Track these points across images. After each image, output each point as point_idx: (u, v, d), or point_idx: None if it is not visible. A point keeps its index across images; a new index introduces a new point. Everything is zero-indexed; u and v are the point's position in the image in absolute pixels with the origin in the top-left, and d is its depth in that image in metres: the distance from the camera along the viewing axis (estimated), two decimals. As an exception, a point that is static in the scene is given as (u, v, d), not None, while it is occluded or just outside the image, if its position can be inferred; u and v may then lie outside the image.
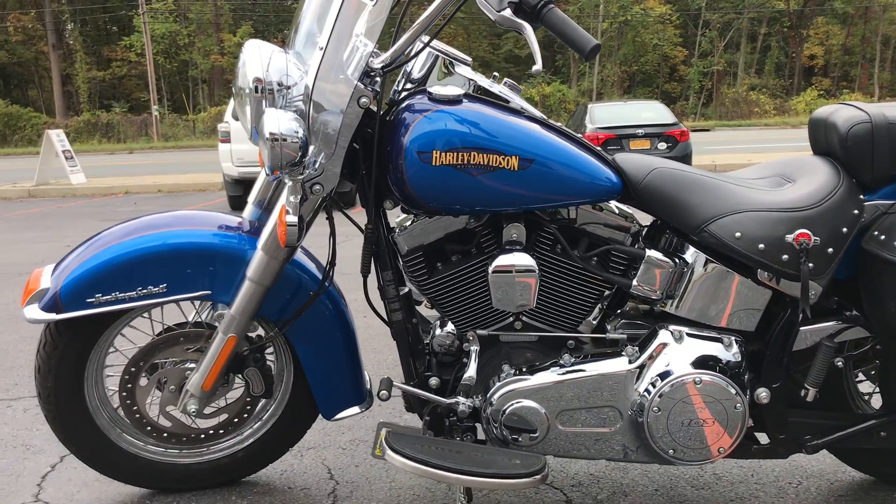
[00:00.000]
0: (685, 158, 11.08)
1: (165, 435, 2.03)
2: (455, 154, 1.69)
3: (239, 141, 10.79)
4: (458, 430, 1.87)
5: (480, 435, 1.88)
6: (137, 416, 2.00)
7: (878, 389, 1.97)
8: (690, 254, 1.83)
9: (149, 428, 2.02)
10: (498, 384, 1.82)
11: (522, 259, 1.79)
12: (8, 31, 42.13)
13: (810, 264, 1.70)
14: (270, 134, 1.59)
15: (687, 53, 41.36)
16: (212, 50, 40.61)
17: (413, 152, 1.68)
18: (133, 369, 1.96)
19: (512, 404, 1.80)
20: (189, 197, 13.78)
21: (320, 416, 2.05)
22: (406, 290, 1.93)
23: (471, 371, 1.83)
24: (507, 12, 1.62)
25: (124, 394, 1.97)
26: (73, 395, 1.95)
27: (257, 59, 1.73)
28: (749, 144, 20.77)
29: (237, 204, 11.22)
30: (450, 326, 1.91)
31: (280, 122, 1.61)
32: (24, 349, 3.74)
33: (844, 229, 1.74)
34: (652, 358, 1.80)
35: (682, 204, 1.79)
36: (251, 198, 2.08)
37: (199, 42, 40.30)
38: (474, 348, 1.87)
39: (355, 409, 2.04)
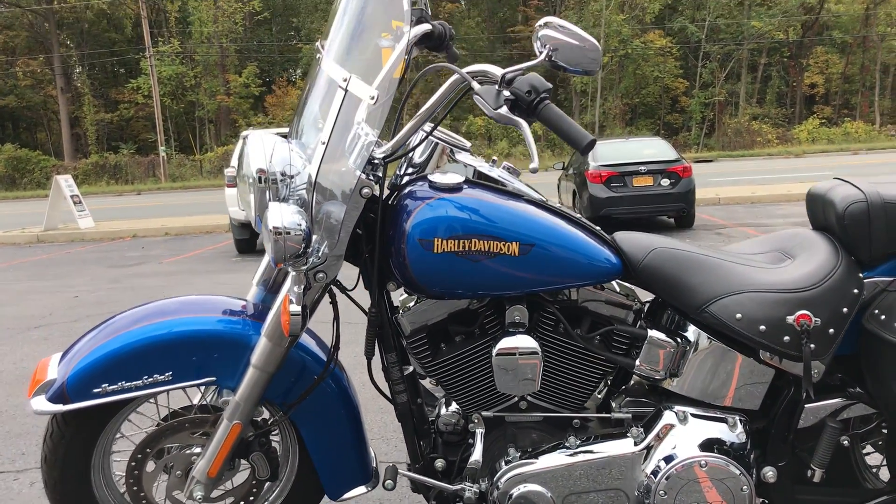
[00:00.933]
0: (688, 194, 11.11)
1: None
2: (456, 241, 1.71)
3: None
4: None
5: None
6: (144, 502, 2.00)
7: (885, 463, 1.96)
8: (692, 332, 1.84)
9: None
10: (504, 468, 1.82)
11: (526, 341, 1.79)
12: (17, 76, 42.72)
13: (812, 345, 1.71)
14: (274, 228, 1.62)
15: (688, 84, 41.62)
16: (218, 90, 41.07)
17: (415, 239, 1.70)
18: (140, 456, 1.96)
19: (518, 488, 1.80)
20: (196, 239, 13.86)
21: (326, 496, 2.04)
22: (410, 369, 1.94)
23: (476, 455, 1.83)
24: (504, 109, 1.65)
25: (131, 480, 1.97)
26: (80, 484, 1.95)
27: (260, 150, 1.76)
28: (752, 175, 20.84)
29: (244, 247, 11.29)
30: (455, 406, 1.91)
31: (283, 215, 1.64)
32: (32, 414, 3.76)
33: (845, 309, 1.75)
34: (658, 439, 1.80)
35: (682, 284, 1.80)
36: (255, 279, 2.09)
37: (205, 83, 40.77)
38: (479, 430, 1.87)
39: (362, 489, 2.03)
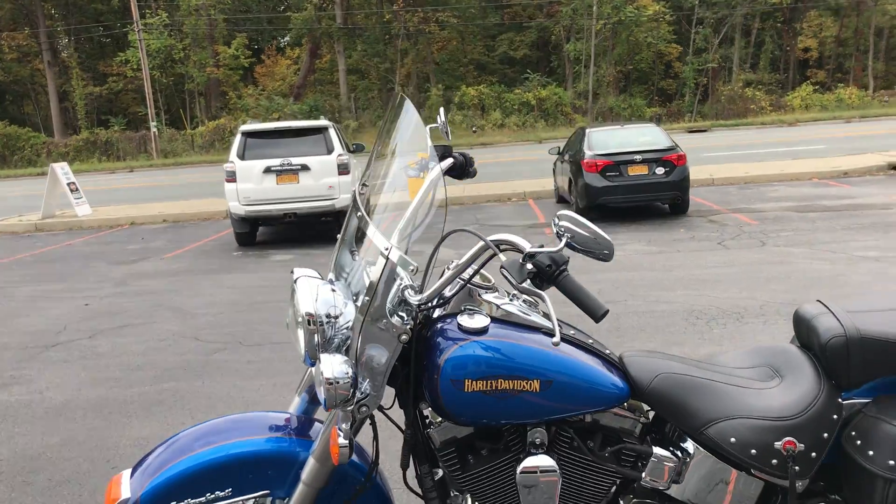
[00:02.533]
0: (683, 182, 11.29)
1: None
2: (485, 382, 1.90)
3: (245, 180, 11.04)
4: None
5: None
6: None
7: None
8: (691, 446, 2.04)
9: None
10: None
11: (545, 461, 1.99)
12: (2, 49, 42.32)
13: (796, 467, 1.92)
14: (326, 379, 1.82)
15: (681, 50, 41.55)
16: (207, 62, 40.81)
17: (448, 379, 1.90)
18: None
19: None
20: (195, 228, 13.99)
21: None
22: (440, 473, 2.14)
23: None
24: (527, 283, 1.84)
25: None
26: None
27: (308, 294, 1.95)
28: (746, 151, 20.98)
29: (244, 240, 11.47)
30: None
31: (334, 367, 1.83)
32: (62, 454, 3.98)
33: (826, 434, 1.95)
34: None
35: (683, 408, 1.99)
36: (298, 389, 2.31)
37: (194, 55, 40.50)
38: None
39: None
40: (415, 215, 1.99)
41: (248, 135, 11.42)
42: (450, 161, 2.05)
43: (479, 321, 1.94)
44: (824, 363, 2.02)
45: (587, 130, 12.42)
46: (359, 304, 1.95)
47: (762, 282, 6.91)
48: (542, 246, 1.87)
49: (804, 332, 2.12)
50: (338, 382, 1.82)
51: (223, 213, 14.76)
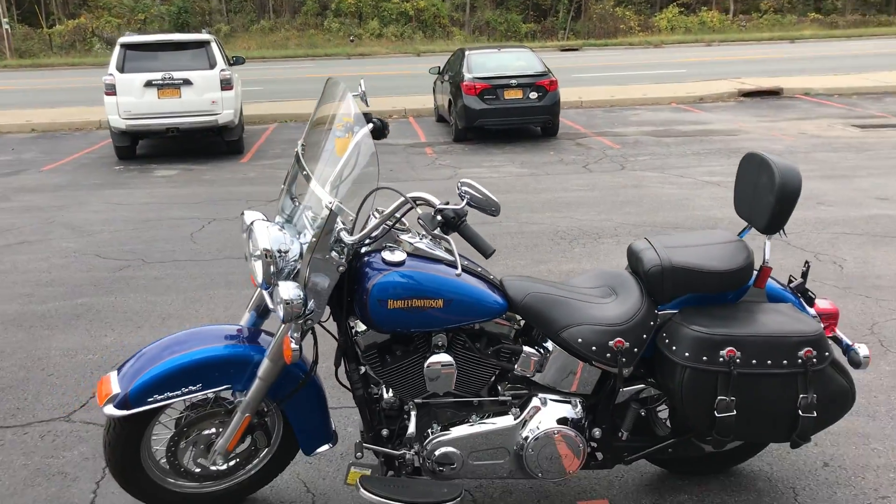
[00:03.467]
0: (554, 107, 12.09)
1: (197, 476, 2.87)
2: (403, 301, 2.53)
3: (125, 94, 10.96)
4: (404, 466, 2.78)
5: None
6: (178, 467, 2.83)
7: (668, 421, 3.00)
8: (551, 345, 2.75)
9: (185, 474, 2.86)
10: (430, 437, 2.71)
11: (445, 358, 2.66)
12: None
13: (623, 359, 2.67)
14: (284, 300, 2.40)
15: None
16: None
17: (375, 300, 2.51)
18: (176, 437, 2.78)
19: (439, 450, 2.70)
20: (69, 140, 13.66)
21: (301, 452, 2.91)
22: (364, 371, 2.78)
23: (411, 428, 2.73)
24: (437, 230, 2.47)
25: (170, 454, 2.79)
26: (134, 460, 2.77)
27: (264, 234, 2.52)
28: (614, 73, 22.01)
29: (124, 154, 11.45)
30: (392, 394, 2.77)
31: (289, 291, 2.41)
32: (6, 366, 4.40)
33: (645, 335, 2.70)
34: (529, 416, 2.74)
35: (546, 317, 2.69)
36: (249, 306, 2.88)
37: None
38: (413, 412, 2.76)
39: (327, 446, 2.90)
40: (343, 170, 2.56)
41: (128, 47, 11.25)
42: (370, 126, 2.62)
43: (398, 256, 2.56)
44: (646, 285, 2.76)
45: (466, 53, 12.92)
46: (304, 241, 2.53)
47: (619, 205, 7.80)
48: (447, 203, 2.49)
49: (634, 261, 2.85)
50: (293, 302, 2.40)
51: (97, 124, 14.46)
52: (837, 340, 2.85)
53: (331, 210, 2.45)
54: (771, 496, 2.98)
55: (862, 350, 2.73)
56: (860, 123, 12.48)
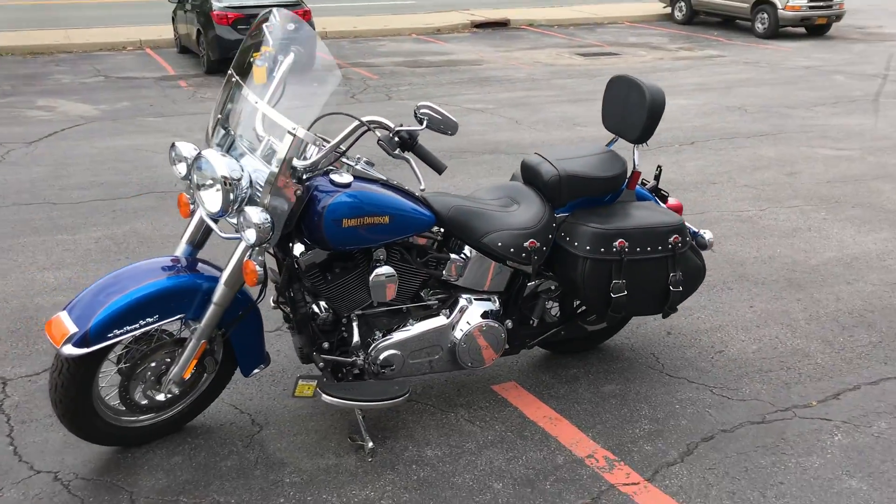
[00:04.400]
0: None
1: (145, 408, 2.91)
2: (356, 219, 2.74)
3: None
4: (350, 373, 3.04)
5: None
6: (129, 401, 2.85)
7: (558, 309, 3.55)
8: (468, 251, 3.13)
9: (135, 408, 2.88)
10: (374, 343, 2.99)
11: (388, 270, 2.93)
12: None
13: (535, 257, 3.14)
14: (256, 224, 2.53)
15: None
16: None
17: (330, 220, 2.70)
18: (125, 371, 2.79)
19: (382, 354, 3.00)
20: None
21: (238, 373, 3.05)
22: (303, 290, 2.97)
23: (355, 338, 2.99)
24: (397, 150, 2.71)
25: (122, 389, 2.80)
26: (85, 400, 2.72)
27: (220, 162, 2.60)
28: (352, 3, 22.05)
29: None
30: (325, 311, 3.00)
31: (259, 215, 2.54)
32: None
33: (550, 235, 3.18)
34: (458, 315, 3.12)
35: (468, 226, 3.06)
36: (184, 238, 2.92)
37: None
38: (354, 323, 3.01)
39: (262, 367, 3.07)
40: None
41: None
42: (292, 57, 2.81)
43: (346, 178, 2.78)
44: (546, 193, 3.22)
45: (212, -19, 12.39)
46: (252, 168, 2.66)
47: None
48: (402, 125, 2.74)
49: (531, 174, 3.29)
50: (262, 226, 2.55)
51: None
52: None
53: (294, 135, 2.60)
54: (639, 361, 3.65)
55: (707, 235, 3.43)
56: (583, 52, 13.94)
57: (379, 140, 2.73)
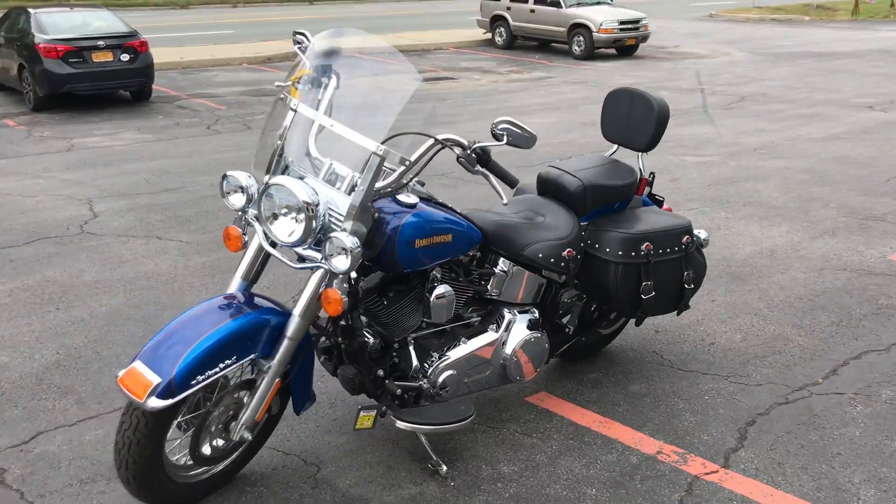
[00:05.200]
0: (148, 69, 11.42)
1: (209, 459, 2.70)
2: (427, 239, 2.70)
3: None
4: (412, 398, 2.94)
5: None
6: (199, 454, 2.62)
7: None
8: (506, 264, 3.14)
9: (201, 460, 2.68)
10: (433, 365, 2.92)
11: (448, 289, 2.89)
12: None
13: (572, 265, 3.21)
14: (347, 248, 2.43)
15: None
16: None
17: (403, 242, 2.64)
18: (195, 422, 2.58)
19: (443, 375, 2.93)
20: None
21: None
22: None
23: (415, 361, 2.90)
24: (478, 167, 2.70)
25: (193, 441, 2.60)
26: (157, 455, 2.52)
27: (301, 188, 2.48)
28: (163, 34, 21.07)
29: None
30: (375, 338, 2.90)
31: (349, 240, 2.44)
32: None
33: (582, 244, 3.27)
34: (506, 330, 3.12)
35: (510, 240, 3.07)
36: (239, 273, 2.72)
37: None
38: (411, 347, 2.93)
39: (310, 403, 2.91)
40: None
41: None
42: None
43: (412, 198, 2.75)
44: (570, 203, 3.31)
45: (33, 12, 11.43)
46: (324, 193, 2.58)
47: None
48: (476, 142, 2.72)
49: (550, 185, 3.37)
50: (355, 251, 2.46)
51: None
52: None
53: (381, 156, 2.52)
54: (646, 360, 3.82)
55: (703, 234, 3.67)
56: (424, 78, 14.27)
57: (459, 157, 2.70)
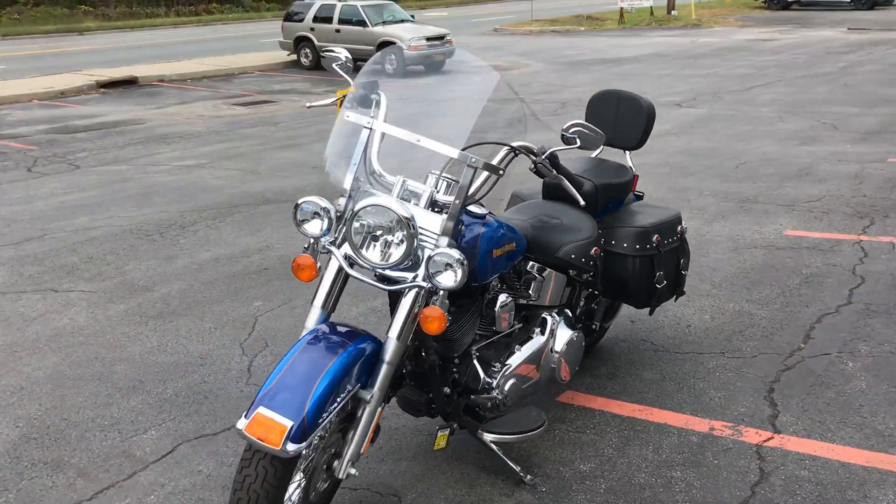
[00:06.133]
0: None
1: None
2: (500, 249, 2.69)
3: None
4: (483, 410, 2.88)
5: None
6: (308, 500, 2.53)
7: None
8: (537, 268, 3.17)
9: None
10: (501, 375, 2.88)
11: (507, 297, 2.87)
12: None
13: (598, 263, 3.30)
14: (459, 261, 2.37)
15: None
16: None
17: (483, 252, 2.61)
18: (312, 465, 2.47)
19: (508, 383, 2.89)
20: None
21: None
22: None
23: (481, 374, 2.85)
24: (554, 172, 2.72)
25: (308, 485, 2.48)
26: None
27: (399, 206, 2.40)
28: None
29: None
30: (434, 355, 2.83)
31: (457, 252, 2.38)
32: None
33: (602, 241, 3.37)
34: (552, 333, 3.14)
35: (546, 243, 3.08)
36: (317, 304, 2.56)
37: None
38: (475, 359, 2.87)
39: (377, 434, 2.76)
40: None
41: None
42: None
43: (482, 209, 2.72)
44: (586, 202, 3.41)
45: None
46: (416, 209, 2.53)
47: (141, 197, 7.45)
48: (545, 148, 2.73)
49: (559, 188, 3.41)
50: (463, 264, 2.40)
51: None
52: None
53: (475, 167, 2.47)
54: (641, 348, 4.00)
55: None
56: (240, 102, 13.78)
57: (537, 164, 2.72)
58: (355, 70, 2.87)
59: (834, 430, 3.16)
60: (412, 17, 18.72)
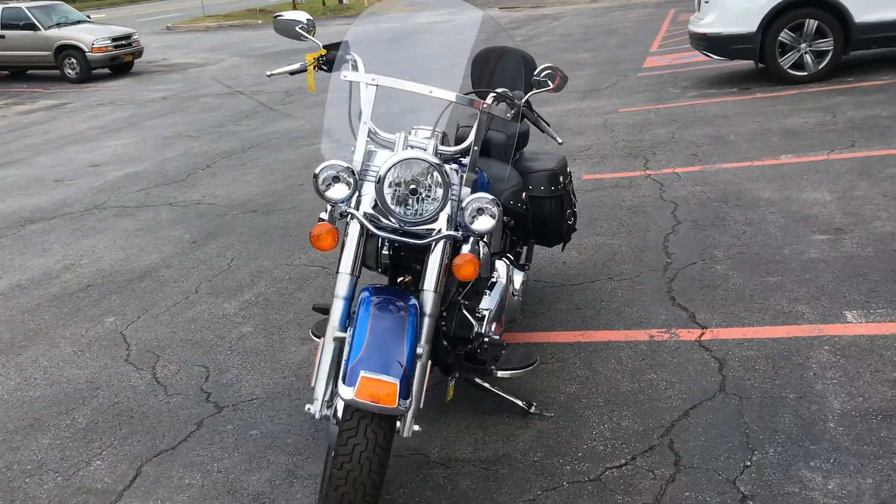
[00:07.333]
0: None
1: None
2: None
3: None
4: (483, 355, 2.92)
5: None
6: None
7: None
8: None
9: None
10: (487, 319, 2.95)
11: (486, 246, 2.95)
12: None
13: (527, 207, 3.47)
14: (489, 202, 2.46)
15: None
16: None
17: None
18: None
19: (492, 327, 2.99)
20: None
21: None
22: None
23: (474, 322, 2.90)
24: (534, 115, 2.87)
25: None
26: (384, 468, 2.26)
27: (427, 155, 2.42)
28: None
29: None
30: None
31: (487, 196, 2.48)
32: None
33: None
34: (509, 274, 3.26)
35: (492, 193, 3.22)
36: (346, 270, 2.49)
37: None
38: (465, 311, 2.91)
39: None
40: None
41: None
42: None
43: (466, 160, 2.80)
44: (501, 154, 3.55)
45: None
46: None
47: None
48: (515, 94, 2.84)
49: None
50: (499, 204, 2.54)
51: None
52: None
53: (489, 113, 2.55)
54: (545, 284, 4.25)
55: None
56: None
57: (521, 108, 2.80)
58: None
59: (746, 317, 3.67)
60: (88, 17, 17.18)
